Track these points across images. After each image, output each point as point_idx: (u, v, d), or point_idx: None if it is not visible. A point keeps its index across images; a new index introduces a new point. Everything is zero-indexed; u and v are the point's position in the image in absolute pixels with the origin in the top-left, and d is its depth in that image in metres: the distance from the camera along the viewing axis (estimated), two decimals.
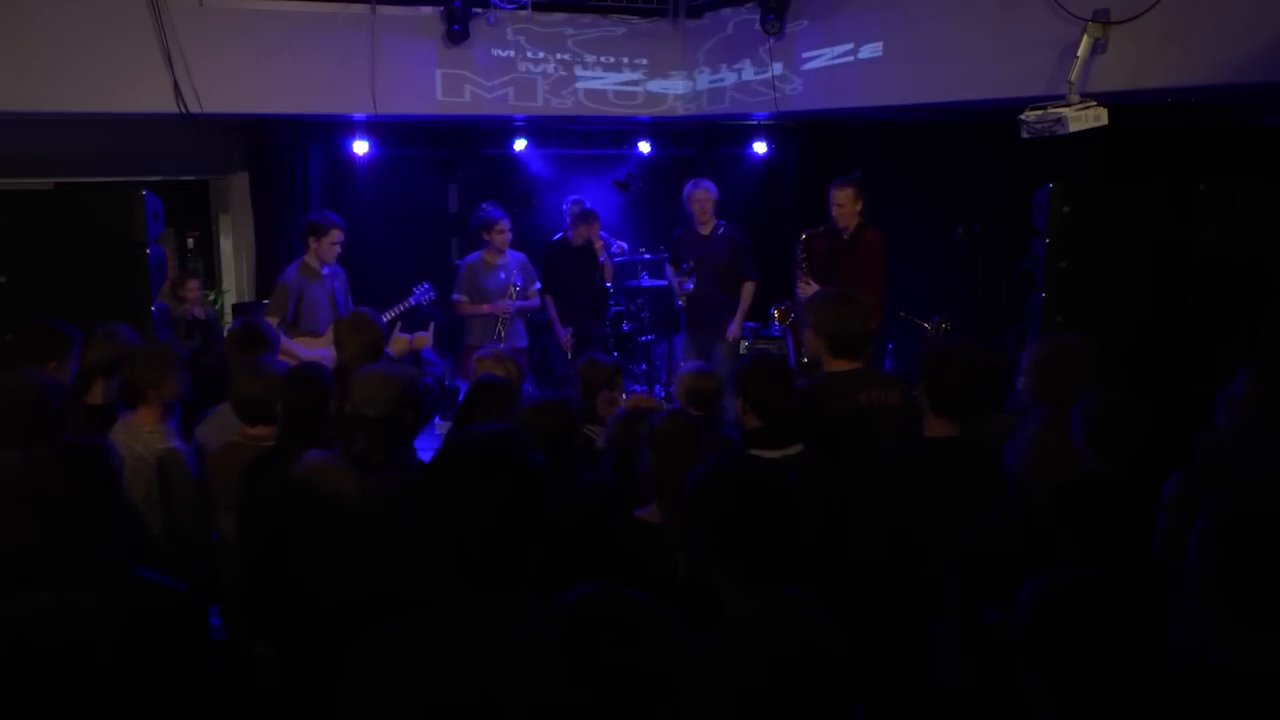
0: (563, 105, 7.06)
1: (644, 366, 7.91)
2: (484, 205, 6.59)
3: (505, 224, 6.43)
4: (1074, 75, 4.70)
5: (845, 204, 5.67)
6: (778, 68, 6.55)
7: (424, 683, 1.61)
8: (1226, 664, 1.60)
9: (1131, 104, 5.11)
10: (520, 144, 8.01)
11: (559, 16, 6.97)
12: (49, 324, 3.80)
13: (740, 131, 8.37)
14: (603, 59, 7.12)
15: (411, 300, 6.10)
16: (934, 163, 7.15)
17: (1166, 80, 4.72)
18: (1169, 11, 4.53)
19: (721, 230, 6.44)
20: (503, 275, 6.49)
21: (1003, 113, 5.07)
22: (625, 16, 7.10)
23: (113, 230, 5.03)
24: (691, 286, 6.38)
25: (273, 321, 5.12)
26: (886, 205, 6.15)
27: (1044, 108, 4.65)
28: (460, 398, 3.51)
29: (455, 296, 6.49)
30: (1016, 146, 4.88)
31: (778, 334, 6.85)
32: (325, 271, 5.73)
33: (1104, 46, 4.76)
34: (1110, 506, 2.58)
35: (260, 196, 7.43)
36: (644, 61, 7.20)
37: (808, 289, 5.78)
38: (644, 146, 8.24)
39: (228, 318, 7.20)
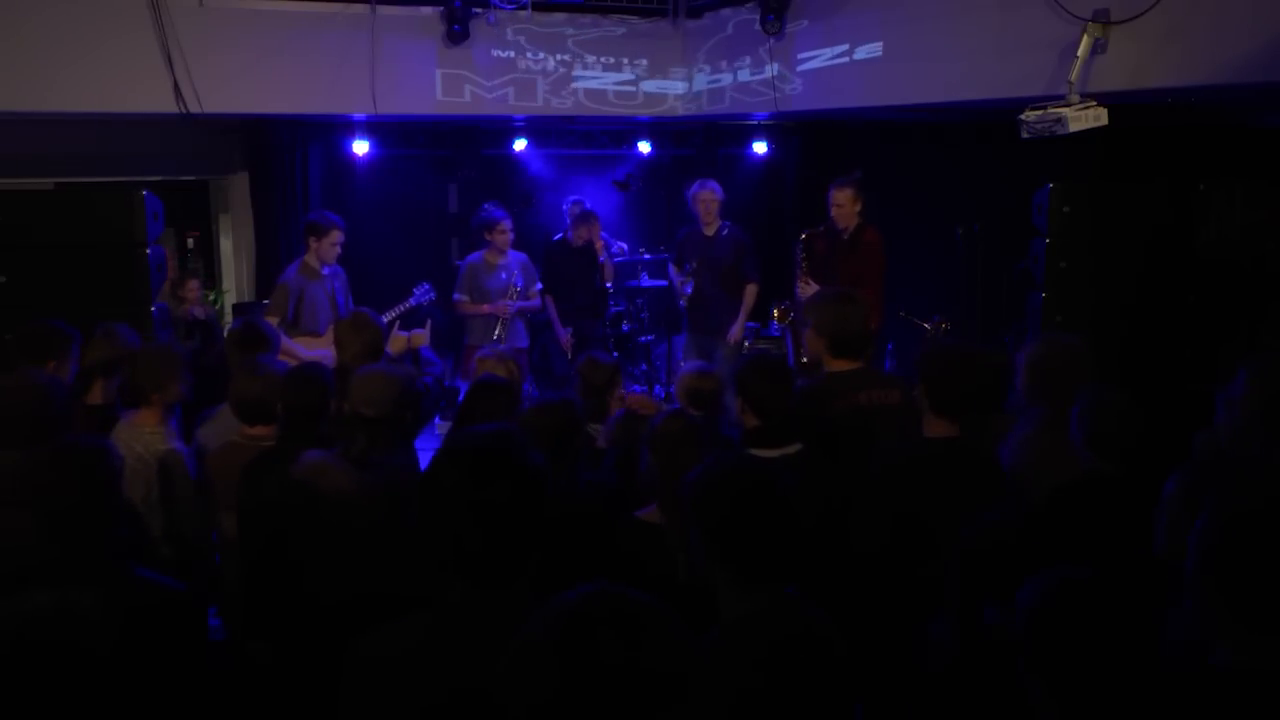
0: (563, 105, 7.06)
1: (644, 366, 7.91)
2: (486, 205, 6.59)
3: (507, 224, 6.43)
4: (1074, 75, 4.71)
5: (845, 204, 5.67)
6: (777, 68, 6.55)
7: (423, 682, 1.61)
8: (1226, 664, 1.60)
9: (1131, 104, 5.11)
10: (520, 144, 8.01)
11: (559, 16, 6.98)
12: (49, 324, 3.80)
13: (740, 131, 8.37)
14: (603, 59, 7.12)
15: (412, 300, 6.10)
16: (934, 163, 7.15)
17: (1166, 80, 4.72)
18: (1169, 11, 4.53)
19: (726, 231, 6.44)
20: (504, 275, 6.49)
21: (1003, 113, 5.07)
22: (625, 16, 7.10)
23: (113, 230, 5.03)
24: (690, 290, 6.40)
25: (273, 321, 5.12)
26: (886, 205, 6.15)
27: (1044, 108, 4.65)
28: (460, 398, 3.51)
29: (456, 296, 6.49)
30: (1016, 146, 4.88)
31: (777, 334, 6.86)
32: (325, 271, 5.73)
33: (1104, 46, 4.76)
34: (1109, 506, 2.58)
35: (260, 196, 7.44)
36: (644, 62, 7.20)
37: (807, 289, 5.78)
38: (644, 146, 8.24)
39: (228, 318, 7.20)
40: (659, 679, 1.14)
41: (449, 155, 8.04)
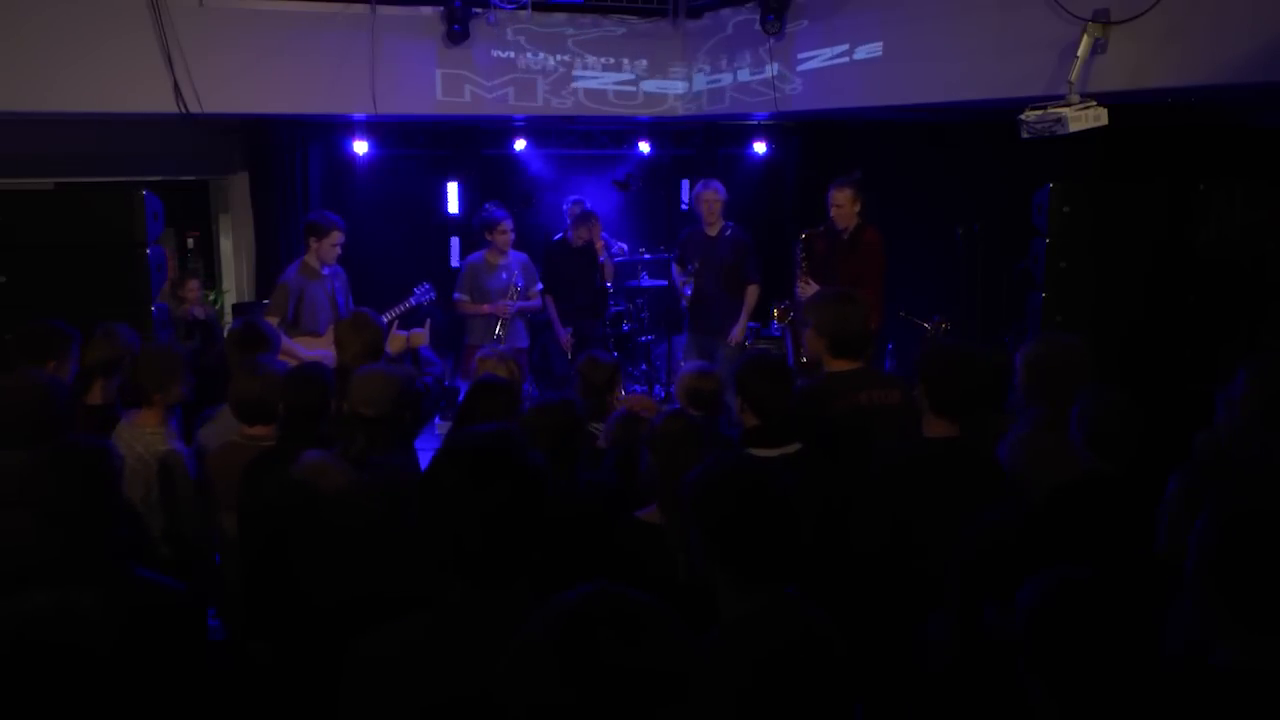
0: (563, 105, 7.06)
1: (644, 366, 7.91)
2: (487, 205, 6.60)
3: (508, 224, 6.43)
4: (1074, 75, 4.70)
5: (844, 204, 5.67)
6: (777, 68, 6.55)
7: (423, 682, 1.61)
8: (1226, 664, 1.60)
9: (1131, 104, 5.11)
10: (520, 144, 8.01)
11: (559, 16, 6.97)
12: (49, 324, 3.80)
13: (740, 131, 8.37)
14: (603, 59, 7.12)
15: (412, 300, 6.11)
16: (934, 162, 7.15)
17: (1166, 80, 4.72)
18: (1169, 11, 4.53)
19: (729, 232, 6.44)
20: (504, 275, 6.49)
21: (1003, 113, 5.07)
22: (625, 17, 7.10)
23: (113, 230, 5.02)
24: (690, 292, 6.40)
25: (273, 321, 5.12)
26: (886, 205, 6.15)
27: (1044, 108, 4.65)
28: (460, 398, 3.51)
29: (456, 295, 6.50)
30: (1016, 146, 4.87)
31: (777, 334, 6.86)
32: (325, 271, 5.73)
33: (1104, 46, 4.76)
34: (1109, 506, 2.58)
35: (260, 196, 7.44)
36: (644, 62, 7.20)
37: (807, 288, 5.78)
38: (644, 146, 8.24)
39: (228, 318, 7.20)
40: (659, 679, 1.14)
41: (449, 155, 8.03)
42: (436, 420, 5.98)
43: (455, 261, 7.71)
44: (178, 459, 3.42)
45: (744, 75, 6.84)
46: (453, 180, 7.99)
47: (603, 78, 7.13)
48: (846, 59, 6.19)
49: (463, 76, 6.77)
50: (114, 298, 4.92)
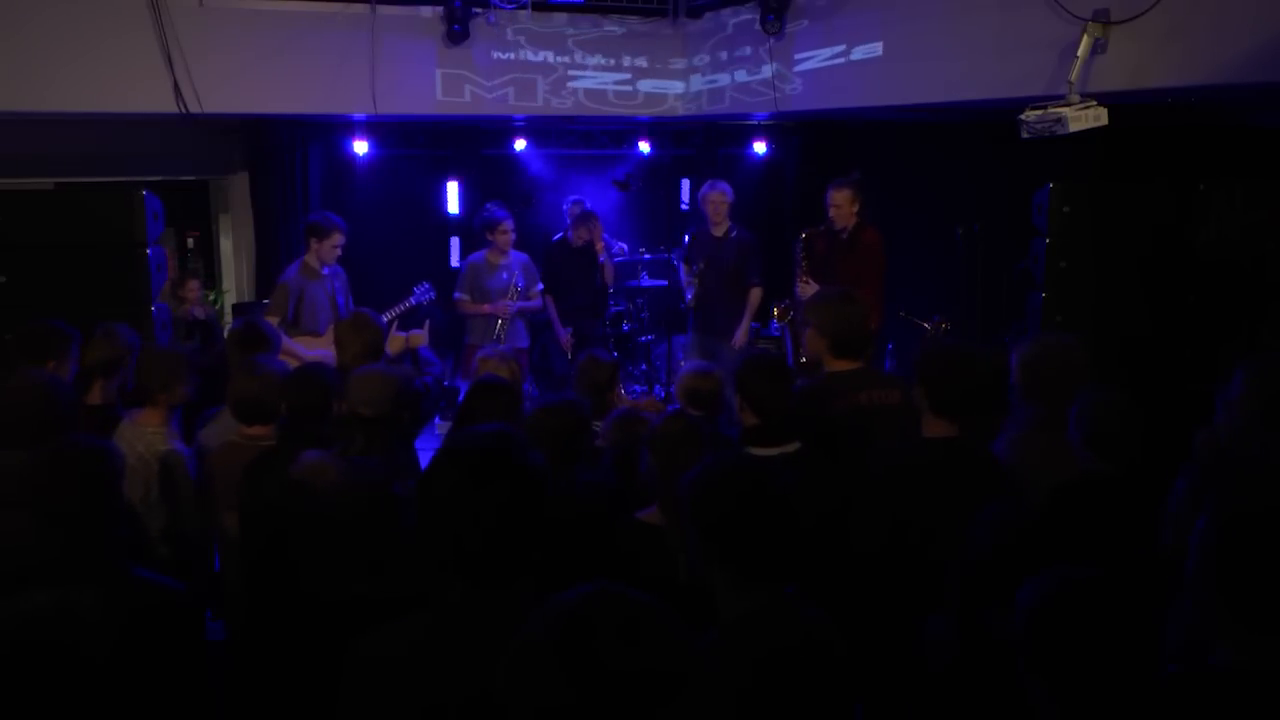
0: (563, 105, 7.06)
1: (644, 366, 7.91)
2: (489, 205, 6.60)
3: (509, 224, 6.43)
4: (1074, 75, 4.70)
5: (842, 205, 5.67)
6: (777, 68, 6.55)
7: (424, 682, 1.61)
8: (1226, 664, 1.60)
9: (1131, 104, 5.11)
10: (520, 144, 8.01)
11: (559, 16, 6.98)
12: (48, 324, 3.80)
13: (740, 131, 8.37)
14: (603, 59, 7.12)
15: (412, 300, 6.11)
16: (934, 163, 7.15)
17: (1166, 80, 4.72)
18: (1169, 11, 4.53)
19: (734, 234, 6.43)
20: (505, 275, 6.49)
21: (1003, 113, 5.07)
22: (625, 17, 7.10)
23: (113, 230, 5.02)
24: (691, 296, 6.41)
25: (273, 321, 5.12)
26: (886, 205, 6.15)
27: (1044, 107, 4.65)
28: (460, 398, 3.51)
29: (457, 295, 6.50)
30: (1016, 146, 4.88)
31: (777, 334, 6.86)
32: (325, 271, 5.73)
33: (1104, 46, 4.76)
34: (1109, 506, 2.58)
35: (260, 196, 7.44)
36: (644, 62, 7.20)
37: (807, 288, 5.78)
38: (644, 146, 8.24)
39: (228, 318, 7.20)
40: (659, 679, 1.14)
41: (449, 155, 8.03)
42: (436, 420, 5.98)
43: (455, 261, 7.71)
44: (179, 459, 3.43)
45: (744, 75, 6.84)
46: (453, 180, 7.99)
47: (603, 78, 7.13)
48: (846, 59, 6.19)
49: (463, 76, 6.77)
50: (114, 298, 4.92)
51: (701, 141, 8.43)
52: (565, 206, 7.51)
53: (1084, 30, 4.73)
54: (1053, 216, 5.15)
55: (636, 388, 7.59)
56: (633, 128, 8.12)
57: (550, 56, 6.98)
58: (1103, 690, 1.60)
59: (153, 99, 5.97)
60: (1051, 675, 1.64)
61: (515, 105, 6.94)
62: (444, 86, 6.73)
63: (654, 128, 8.17)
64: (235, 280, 7.95)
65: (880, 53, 6.00)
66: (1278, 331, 4.91)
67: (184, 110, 6.00)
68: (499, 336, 6.36)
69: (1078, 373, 3.12)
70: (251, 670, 3.12)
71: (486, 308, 6.44)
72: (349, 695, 1.66)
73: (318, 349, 5.36)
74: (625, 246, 7.90)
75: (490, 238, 6.45)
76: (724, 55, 6.99)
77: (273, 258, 7.25)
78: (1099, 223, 5.17)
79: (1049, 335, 3.86)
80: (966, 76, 5.51)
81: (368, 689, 1.64)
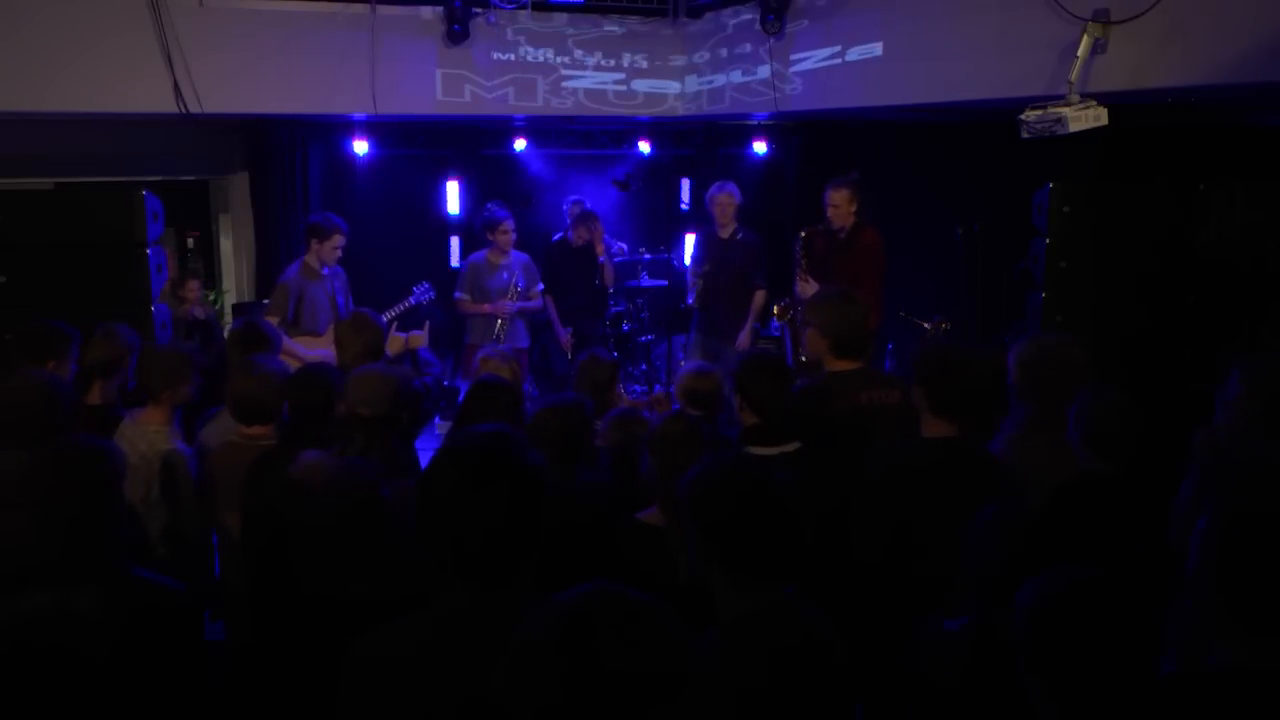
0: (563, 105, 7.06)
1: (644, 366, 7.91)
2: (489, 205, 6.61)
3: (509, 224, 6.44)
4: (1074, 75, 4.70)
5: (840, 205, 5.67)
6: (777, 68, 6.55)
7: (423, 683, 1.61)
8: (1226, 664, 1.60)
9: (1131, 104, 5.10)
10: (520, 144, 8.01)
11: (559, 16, 6.98)
12: (48, 324, 3.80)
13: (740, 131, 8.37)
14: (603, 59, 7.11)
15: (411, 300, 6.11)
16: (934, 162, 7.14)
17: (1166, 80, 4.72)
18: (1169, 11, 4.53)
19: (740, 235, 6.43)
20: (505, 275, 6.49)
21: (1003, 112, 5.07)
22: (625, 16, 7.10)
23: (113, 230, 5.02)
24: (692, 299, 6.40)
25: (273, 321, 5.12)
26: (886, 205, 6.15)
27: (1044, 107, 4.65)
28: (460, 398, 3.52)
29: (457, 295, 6.50)
30: (1016, 146, 4.87)
31: (777, 333, 6.86)
32: (325, 271, 5.73)
33: (1104, 46, 4.76)
34: (1109, 506, 2.58)
35: (260, 196, 7.44)
36: (644, 62, 7.20)
37: (807, 286, 5.78)
38: (644, 146, 8.24)
39: (228, 318, 7.20)
40: (658, 679, 1.14)
41: (449, 155, 8.03)
42: (436, 420, 5.98)
43: (455, 261, 7.71)
44: (180, 458, 3.43)
45: (744, 75, 6.84)
46: (453, 180, 8.00)
47: (602, 77, 7.13)
48: (846, 59, 6.19)
49: (463, 76, 6.77)
50: (114, 298, 4.92)
51: (701, 141, 8.43)
52: (565, 206, 7.51)
53: (1084, 30, 4.72)
54: (1053, 216, 5.15)
55: (636, 387, 7.59)
56: (633, 128, 8.12)
57: (550, 56, 6.98)
58: (1103, 690, 1.60)
59: (153, 99, 5.97)
60: (1051, 675, 1.64)
61: (515, 105, 6.94)
62: (444, 86, 6.73)
63: (654, 128, 8.17)
64: (235, 280, 7.95)
65: (880, 53, 6.00)
66: (1278, 331, 4.91)
67: (184, 110, 6.00)
68: (499, 336, 6.36)
69: (1075, 372, 3.11)
70: (251, 670, 3.12)
71: (487, 308, 6.44)
72: (348, 696, 1.66)
73: (318, 349, 5.37)
74: (625, 246, 7.90)
75: (491, 238, 6.45)
76: (724, 55, 6.99)
77: (273, 258, 7.25)
78: (1099, 223, 5.17)
79: (1046, 335, 3.86)
80: (966, 76, 5.51)
81: (367, 689, 1.64)
